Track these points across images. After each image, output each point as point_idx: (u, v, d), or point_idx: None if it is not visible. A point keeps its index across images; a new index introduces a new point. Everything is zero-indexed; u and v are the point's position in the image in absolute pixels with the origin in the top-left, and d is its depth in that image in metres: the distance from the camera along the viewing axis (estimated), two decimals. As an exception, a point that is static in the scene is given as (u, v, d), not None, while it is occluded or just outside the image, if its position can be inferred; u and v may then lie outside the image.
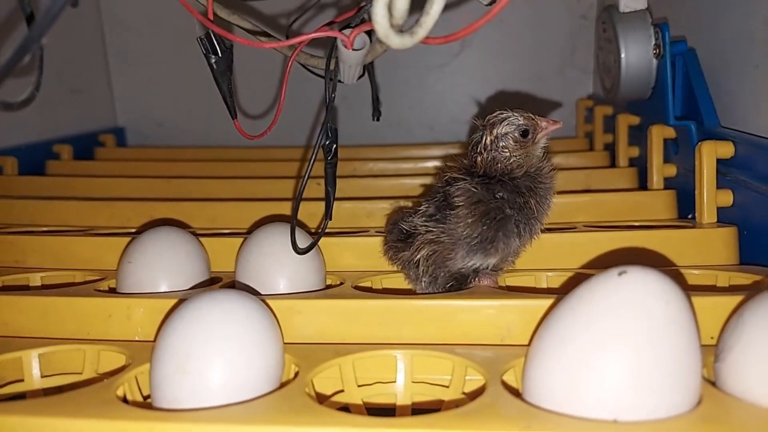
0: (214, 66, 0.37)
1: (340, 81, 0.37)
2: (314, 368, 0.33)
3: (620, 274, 0.28)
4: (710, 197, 0.54)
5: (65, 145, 0.91)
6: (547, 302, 0.37)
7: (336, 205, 0.60)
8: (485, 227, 0.41)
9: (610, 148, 0.80)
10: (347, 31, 0.33)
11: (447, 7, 0.29)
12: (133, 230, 0.60)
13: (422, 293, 0.45)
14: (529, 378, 0.29)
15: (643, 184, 0.70)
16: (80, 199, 0.68)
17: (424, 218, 0.43)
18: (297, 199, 0.39)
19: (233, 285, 0.46)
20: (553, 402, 0.27)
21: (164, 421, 0.28)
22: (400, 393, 0.35)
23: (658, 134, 0.63)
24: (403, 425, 0.26)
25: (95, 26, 1.06)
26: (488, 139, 0.42)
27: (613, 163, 0.78)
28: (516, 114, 0.42)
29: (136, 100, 1.10)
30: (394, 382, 0.35)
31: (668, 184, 0.64)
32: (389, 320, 0.38)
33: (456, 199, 0.42)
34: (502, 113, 0.42)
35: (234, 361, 0.30)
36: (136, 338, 0.40)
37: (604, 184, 0.70)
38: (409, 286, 0.48)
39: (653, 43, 0.59)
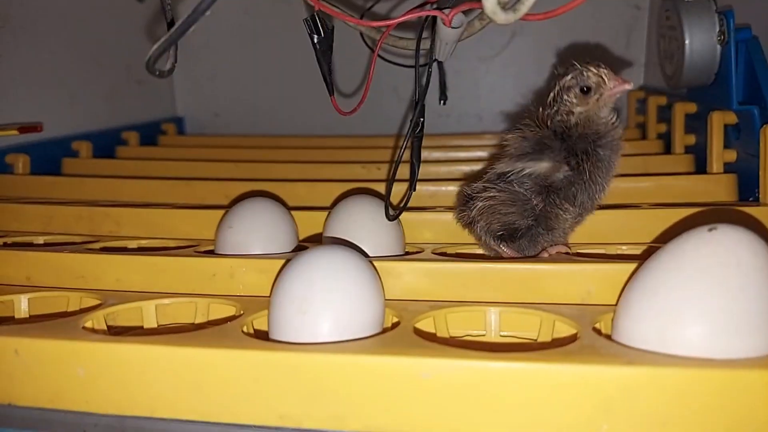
0: (317, 45, 0.41)
1: (434, 60, 0.39)
2: (412, 319, 0.36)
3: (710, 230, 0.30)
4: (775, 179, 0.55)
5: (132, 132, 0.96)
6: (627, 266, 0.40)
7: (400, 187, 0.63)
8: (527, 144, 0.43)
9: (664, 138, 0.81)
10: (446, 11, 0.36)
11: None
12: (212, 206, 0.64)
13: (488, 251, 0.47)
14: (622, 326, 0.31)
15: (699, 171, 0.71)
16: (158, 179, 0.72)
17: (485, 183, 0.45)
18: (394, 169, 0.42)
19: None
20: (646, 344, 0.30)
21: (292, 351, 0.31)
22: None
23: (719, 119, 0.64)
24: (512, 358, 0.29)
25: (159, 18, 1.11)
26: (555, 90, 0.43)
27: (667, 151, 0.79)
28: (586, 68, 0.42)
29: (194, 91, 1.14)
30: (484, 335, 0.38)
31: (728, 169, 0.65)
32: (476, 283, 0.41)
33: (509, 135, 0.44)
34: (575, 65, 0.43)
35: (347, 306, 0.33)
36: (239, 295, 0.44)
37: (662, 170, 0.72)
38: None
39: (717, 29, 0.60)
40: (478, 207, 0.45)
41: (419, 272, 0.42)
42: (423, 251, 0.48)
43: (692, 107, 0.73)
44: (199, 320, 0.41)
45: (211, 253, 0.49)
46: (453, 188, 0.63)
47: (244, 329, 0.35)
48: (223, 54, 1.11)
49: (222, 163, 0.80)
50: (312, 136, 1.00)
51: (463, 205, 0.47)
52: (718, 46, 0.61)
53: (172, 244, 0.55)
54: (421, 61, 0.42)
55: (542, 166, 0.43)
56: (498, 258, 0.46)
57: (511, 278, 0.41)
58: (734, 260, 0.29)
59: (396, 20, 0.37)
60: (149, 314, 0.40)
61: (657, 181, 0.64)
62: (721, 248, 0.29)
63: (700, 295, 0.29)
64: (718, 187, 0.63)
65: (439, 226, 0.54)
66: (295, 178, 0.72)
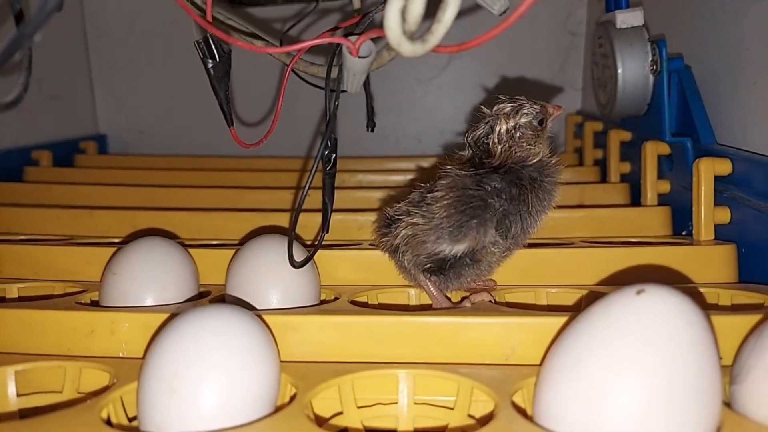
0: (212, 71, 0.36)
1: (343, 91, 0.35)
2: (313, 389, 0.32)
3: (638, 292, 0.27)
4: (708, 214, 0.53)
5: (44, 151, 0.88)
6: (554, 320, 0.36)
7: (337, 217, 0.59)
8: (454, 210, 0.39)
9: (600, 164, 0.80)
10: (353, 38, 0.32)
11: (457, 15, 0.28)
12: (117, 240, 0.58)
13: (407, 276, 0.44)
14: (542, 401, 0.28)
15: (634, 200, 0.70)
16: (59, 207, 0.65)
17: (408, 204, 0.42)
18: (296, 210, 0.37)
19: (224, 299, 0.44)
20: (568, 427, 0.26)
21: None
22: (403, 415, 0.34)
23: (653, 150, 0.63)
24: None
25: (78, 32, 1.04)
26: (503, 128, 0.40)
27: (603, 179, 0.77)
28: (528, 101, 0.41)
29: (117, 107, 1.07)
30: (396, 403, 0.34)
31: (662, 200, 0.64)
32: (389, 337, 0.37)
33: (438, 183, 0.41)
34: (513, 101, 0.41)
35: (228, 381, 0.28)
36: (121, 355, 0.38)
37: (597, 200, 0.70)
38: (404, 302, 0.47)
39: (650, 59, 0.59)
40: (401, 234, 0.41)
41: (327, 327, 0.37)
42: (339, 298, 0.43)
43: (627, 135, 0.72)
44: (67, 390, 0.35)
45: (96, 303, 0.43)
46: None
47: (108, 411, 0.30)
48: (149, 68, 1.05)
49: (136, 188, 0.74)
50: (242, 157, 0.94)
51: (385, 227, 0.43)
52: (651, 76, 0.59)
53: (58, 288, 0.48)
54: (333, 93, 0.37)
55: (460, 247, 0.40)
56: (426, 309, 0.42)
57: (430, 333, 0.37)
58: (664, 332, 0.26)
59: (298, 46, 0.33)
60: (4, 384, 0.34)
61: (591, 213, 0.62)
62: (650, 317, 0.26)
63: (622, 375, 0.25)
64: (653, 220, 0.62)
65: (360, 265, 0.49)
66: (212, 206, 0.67)
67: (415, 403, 0.34)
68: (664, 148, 0.63)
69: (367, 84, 0.54)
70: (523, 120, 0.41)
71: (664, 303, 0.26)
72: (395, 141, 1.08)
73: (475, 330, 0.36)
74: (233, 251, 0.46)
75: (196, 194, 0.72)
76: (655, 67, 0.58)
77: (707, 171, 0.53)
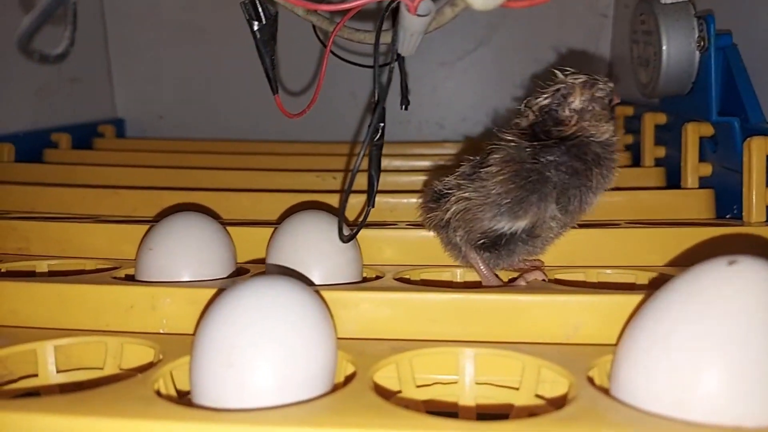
0: (257, 34, 0.34)
1: (396, 58, 0.33)
2: (372, 366, 0.30)
3: (730, 263, 0.25)
4: (760, 195, 0.51)
5: (63, 134, 0.87)
6: (615, 299, 0.35)
7: (357, 199, 0.57)
8: (513, 186, 0.38)
9: (632, 149, 0.78)
10: (412, -5, 0.30)
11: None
12: (147, 219, 0.56)
13: (454, 253, 0.42)
14: (626, 379, 0.26)
15: (671, 184, 0.67)
16: (84, 186, 0.64)
17: (458, 177, 0.40)
18: (349, 181, 0.36)
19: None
20: (658, 405, 0.24)
21: (215, 422, 0.24)
22: (464, 395, 0.32)
23: (695, 131, 0.61)
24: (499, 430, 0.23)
25: (97, 14, 1.02)
26: (578, 99, 0.39)
27: (636, 163, 0.75)
28: (600, 77, 0.40)
29: (136, 91, 1.06)
30: (456, 382, 0.32)
31: (702, 183, 0.62)
32: (445, 315, 0.35)
33: (491, 157, 0.39)
34: (586, 74, 0.40)
35: (288, 355, 0.26)
36: (161, 331, 0.36)
37: (633, 184, 0.68)
38: (448, 280, 0.45)
39: (697, 35, 0.57)
40: (452, 209, 0.39)
41: (380, 304, 0.35)
42: (384, 276, 0.42)
43: (662, 118, 0.70)
44: (108, 366, 0.34)
45: (131, 279, 0.42)
46: (415, 200, 0.58)
47: (158, 386, 0.28)
48: (168, 51, 1.03)
49: (160, 170, 0.72)
50: (263, 141, 0.93)
51: (433, 202, 0.41)
52: (697, 53, 0.57)
53: (89, 265, 0.47)
54: (381, 58, 0.36)
55: (521, 224, 0.38)
56: (471, 288, 0.40)
57: (487, 311, 0.35)
58: (761, 302, 0.24)
59: (351, 4, 0.31)
60: (44, 359, 0.33)
61: (630, 196, 0.60)
62: (747, 287, 0.24)
63: (725, 349, 0.23)
64: (695, 203, 0.60)
65: (402, 245, 0.47)
66: (239, 188, 0.65)
67: (477, 383, 0.32)
68: (707, 129, 0.60)
69: (401, 60, 0.52)
70: (599, 94, 0.39)
71: (758, 273, 0.25)
72: (417, 126, 1.06)
73: (536, 308, 0.35)
74: (271, 229, 0.44)
75: (221, 176, 0.71)
76: (703, 43, 0.56)
77: (759, 150, 0.51)
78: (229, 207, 0.60)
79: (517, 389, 0.32)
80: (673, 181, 0.67)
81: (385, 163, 0.82)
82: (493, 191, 0.38)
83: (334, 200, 0.58)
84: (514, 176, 0.37)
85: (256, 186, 0.67)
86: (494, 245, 0.39)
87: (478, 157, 0.40)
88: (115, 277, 0.41)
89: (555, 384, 0.30)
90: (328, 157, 0.82)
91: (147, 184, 0.67)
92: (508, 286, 0.39)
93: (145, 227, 0.46)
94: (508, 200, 0.37)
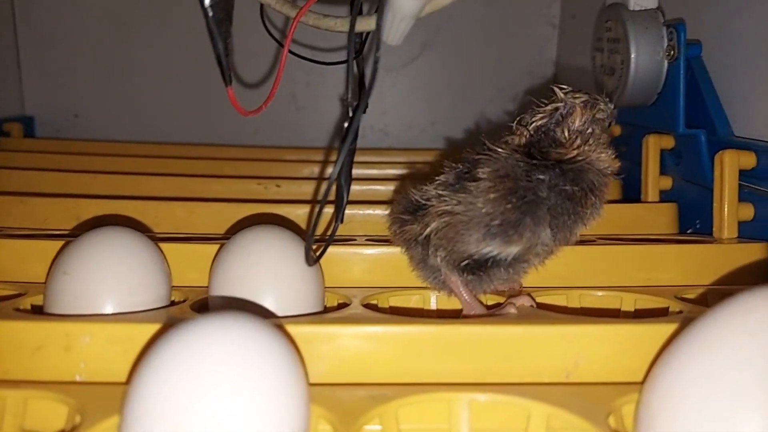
0: (209, 11, 0.28)
1: (378, 49, 0.28)
2: (353, 424, 0.24)
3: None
4: (731, 211, 0.50)
5: (-41, 133, 0.76)
6: (617, 328, 0.31)
7: (305, 210, 0.51)
8: (510, 206, 0.33)
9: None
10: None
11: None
12: (60, 233, 0.48)
13: (427, 274, 0.37)
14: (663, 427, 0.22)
15: (627, 197, 0.66)
16: (-17, 193, 0.55)
17: (440, 187, 0.35)
18: (323, 198, 0.30)
19: (206, 304, 0.35)
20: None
21: None
22: (460, 452, 0.27)
23: (656, 144, 0.59)
24: None
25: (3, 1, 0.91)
26: (578, 119, 0.35)
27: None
28: (600, 97, 0.36)
29: (47, 86, 0.95)
30: (448, 435, 0.27)
31: (663, 197, 0.60)
32: (433, 353, 0.30)
33: (480, 170, 0.34)
34: (586, 93, 0.36)
35: (255, 418, 0.20)
36: (77, 378, 0.29)
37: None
38: (419, 306, 0.40)
39: (666, 44, 0.55)
40: (433, 225, 0.34)
41: (360, 340, 0.30)
42: (351, 303, 0.36)
43: (617, 130, 0.68)
44: (8, 427, 0.26)
45: (38, 310, 0.34)
46: (369, 211, 0.53)
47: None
48: (85, 41, 0.93)
49: (75, 174, 0.63)
50: (193, 145, 0.85)
51: (407, 213, 0.36)
52: (666, 63, 0.55)
53: (-14, 291, 0.38)
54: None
55: (513, 250, 0.34)
56: (447, 315, 0.35)
57: (478, 345, 0.30)
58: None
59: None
60: None
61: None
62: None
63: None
64: (659, 217, 0.58)
65: (368, 264, 0.42)
66: (170, 196, 0.58)
67: (473, 436, 0.27)
68: (668, 142, 0.59)
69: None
70: (599, 116, 0.36)
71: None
72: (360, 133, 1.01)
73: (535, 343, 0.30)
74: (213, 246, 0.38)
75: (146, 182, 0.63)
76: (673, 52, 0.54)
77: (732, 164, 0.49)
78: (158, 218, 0.52)
79: (522, 444, 0.27)
80: (629, 194, 0.65)
81: (331, 169, 0.76)
82: (483, 210, 0.33)
83: (282, 211, 0.52)
84: (509, 194, 0.33)
85: (188, 194, 0.60)
86: (479, 267, 0.34)
87: (461, 166, 0.35)
88: (18, 309, 0.33)
89: (566, 433, 0.26)
90: (268, 163, 0.76)
91: (60, 191, 0.58)
92: (497, 314, 0.34)
93: (59, 243, 0.38)
94: (499, 222, 0.33)
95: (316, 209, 0.31)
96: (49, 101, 0.96)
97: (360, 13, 0.29)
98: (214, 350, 0.21)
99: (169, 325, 0.23)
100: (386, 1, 0.27)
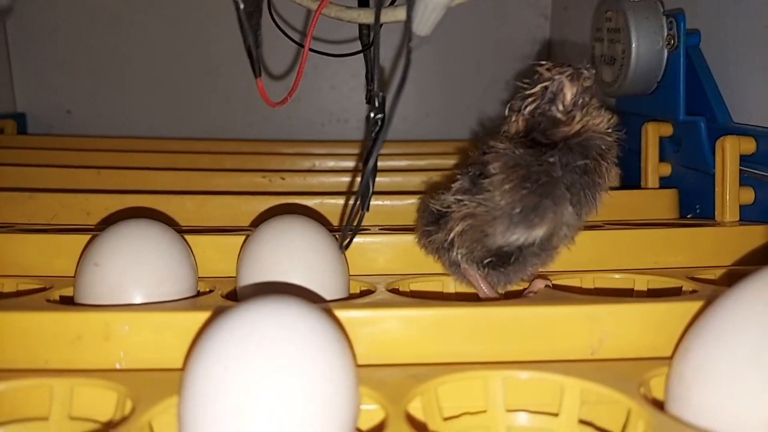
0: (240, 3, 0.28)
1: (410, 39, 0.28)
2: (399, 402, 0.25)
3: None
4: (733, 195, 0.51)
5: (-48, 130, 0.75)
6: (639, 307, 0.32)
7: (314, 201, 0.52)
8: (526, 192, 0.34)
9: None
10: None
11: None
12: (74, 227, 0.48)
13: (458, 277, 0.38)
14: (697, 399, 0.23)
15: (625, 184, 0.67)
16: (-9, 189, 0.54)
17: (458, 193, 0.36)
18: (361, 187, 0.31)
19: (235, 294, 0.36)
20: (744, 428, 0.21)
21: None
22: (497, 425, 0.28)
23: (654, 131, 0.61)
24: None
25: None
26: (570, 92, 0.35)
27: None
28: (579, 65, 0.36)
29: (39, 82, 0.94)
30: (485, 411, 0.28)
31: (662, 183, 0.62)
32: (465, 334, 0.31)
33: (491, 166, 0.35)
34: (566, 64, 0.36)
35: (316, 398, 0.21)
36: (117, 366, 0.30)
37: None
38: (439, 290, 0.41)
39: (666, 33, 0.56)
40: (456, 230, 0.35)
41: (396, 322, 0.30)
42: (376, 290, 0.37)
43: (614, 118, 0.70)
44: (56, 415, 0.26)
45: (68, 301, 0.34)
46: (389, 202, 0.53)
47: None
48: (76, 38, 0.92)
49: (79, 171, 0.63)
50: (189, 139, 0.85)
51: (431, 225, 0.37)
52: (666, 52, 0.57)
53: (9, 285, 0.38)
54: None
55: (538, 233, 0.35)
56: (485, 300, 0.36)
57: (507, 325, 0.31)
58: None
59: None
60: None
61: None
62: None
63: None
64: (660, 203, 0.59)
65: (391, 251, 0.43)
66: (178, 190, 0.58)
67: (508, 411, 0.28)
68: (666, 129, 0.61)
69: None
70: (586, 83, 0.36)
71: None
72: (356, 125, 1.02)
73: (561, 322, 0.31)
74: (239, 238, 0.38)
75: (152, 177, 0.63)
76: (673, 42, 0.55)
77: (733, 149, 0.51)
78: (169, 212, 0.52)
79: (557, 415, 0.28)
80: (628, 181, 0.66)
81: (332, 164, 0.77)
82: (502, 202, 0.34)
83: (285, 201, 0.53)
84: (523, 181, 0.34)
85: (193, 188, 0.60)
86: (502, 263, 0.35)
87: (471, 170, 0.36)
88: (49, 300, 0.33)
89: (596, 407, 0.27)
90: (267, 156, 0.76)
91: (64, 187, 0.58)
92: (527, 291, 0.36)
93: (80, 237, 0.39)
94: (520, 209, 0.34)
95: (348, 200, 0.32)
96: (41, 98, 0.95)
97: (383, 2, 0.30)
98: (270, 333, 0.22)
99: (219, 311, 0.24)
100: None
